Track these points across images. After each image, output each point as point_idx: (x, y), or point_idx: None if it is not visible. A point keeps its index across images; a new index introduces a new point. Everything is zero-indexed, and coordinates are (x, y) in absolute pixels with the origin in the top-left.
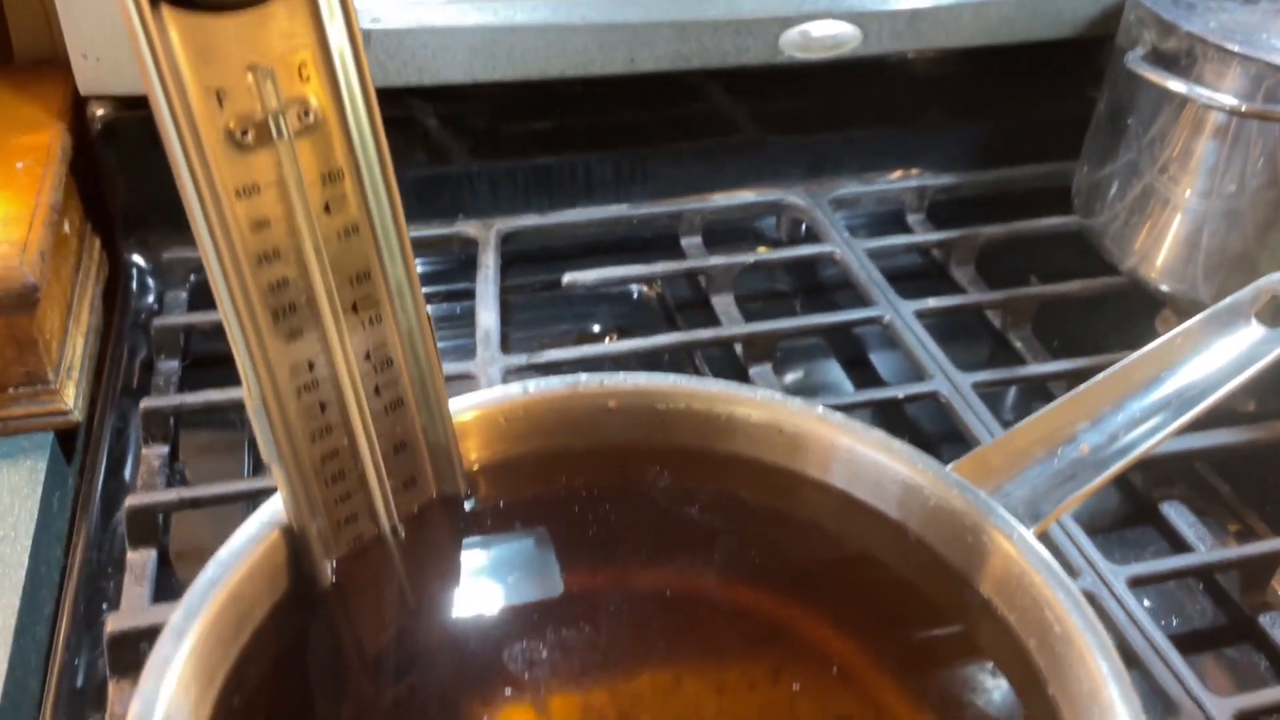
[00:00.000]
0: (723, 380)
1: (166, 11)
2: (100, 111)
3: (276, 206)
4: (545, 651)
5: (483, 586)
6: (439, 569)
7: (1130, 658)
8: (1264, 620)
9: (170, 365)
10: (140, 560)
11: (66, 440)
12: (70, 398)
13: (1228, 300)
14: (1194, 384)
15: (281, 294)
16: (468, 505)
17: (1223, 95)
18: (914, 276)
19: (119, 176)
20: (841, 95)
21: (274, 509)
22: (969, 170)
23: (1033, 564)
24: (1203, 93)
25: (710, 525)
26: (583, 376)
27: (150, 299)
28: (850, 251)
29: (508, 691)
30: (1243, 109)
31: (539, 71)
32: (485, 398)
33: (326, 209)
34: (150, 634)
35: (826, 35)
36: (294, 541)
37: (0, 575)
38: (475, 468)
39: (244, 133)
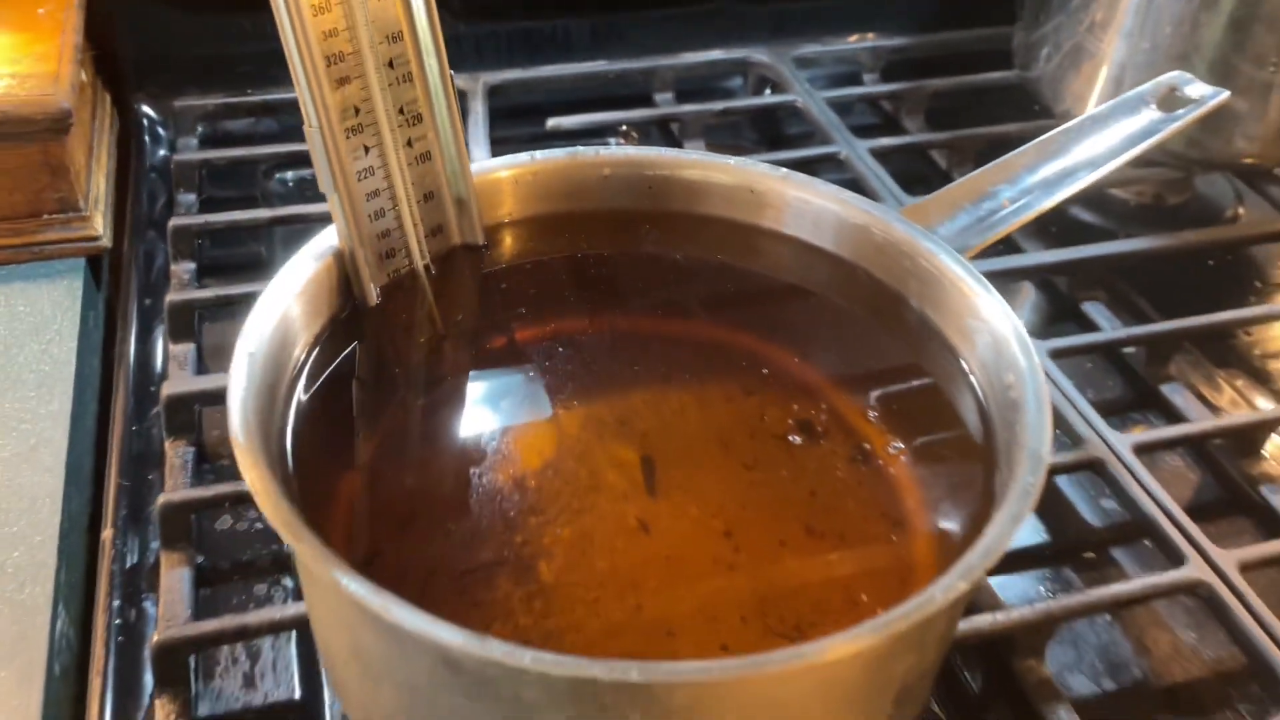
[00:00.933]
0: (700, 151)
1: None
2: None
3: None
4: (552, 374)
5: (498, 321)
6: (463, 302)
7: (1063, 425)
8: (1165, 389)
9: (189, 198)
10: (182, 352)
11: (94, 268)
12: (99, 225)
13: (1134, 91)
14: (1099, 154)
15: (333, 41)
16: (485, 253)
17: None
18: (870, 128)
19: (130, 30)
20: None
21: (328, 239)
22: (920, 33)
23: (959, 274)
24: None
25: (693, 274)
26: (580, 148)
27: (162, 149)
28: (811, 100)
29: (522, 403)
30: None
31: None
32: (498, 163)
33: None
34: (200, 397)
35: None
36: (345, 266)
37: (53, 370)
38: (490, 223)
39: None
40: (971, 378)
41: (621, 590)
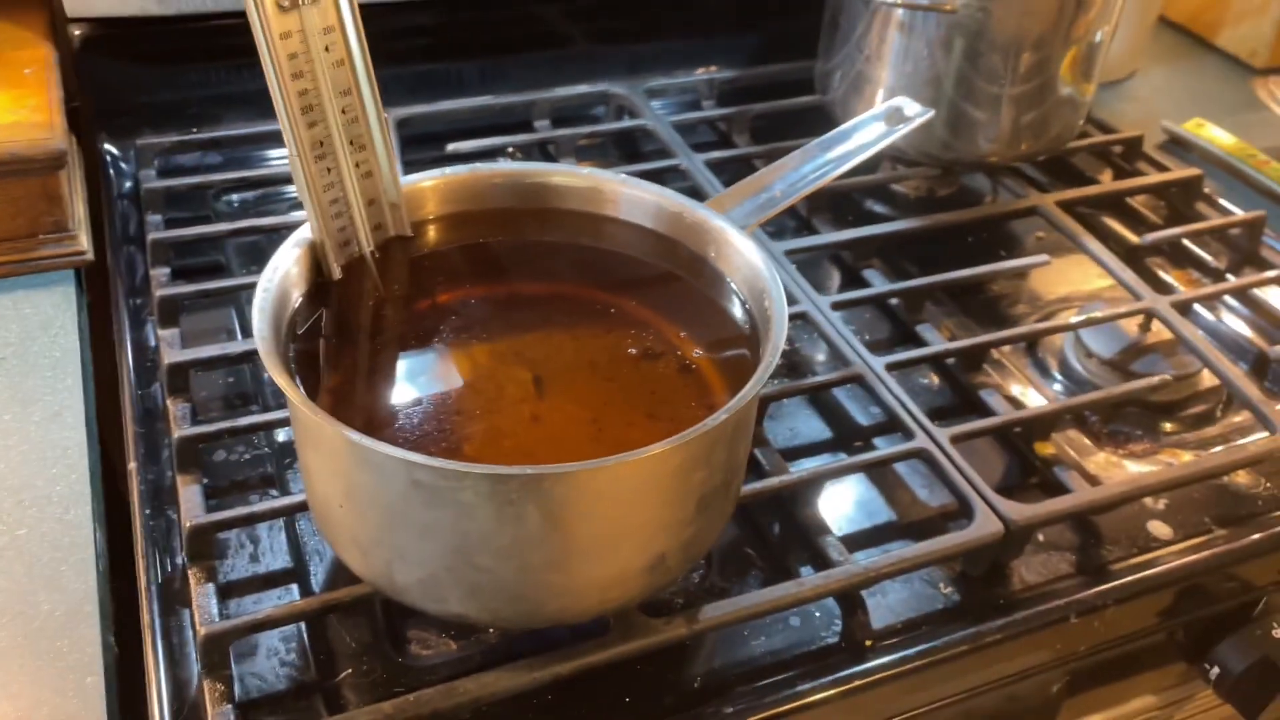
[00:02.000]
0: (565, 164)
1: None
2: (78, 31)
3: (301, 45)
4: (465, 323)
5: (424, 288)
6: (398, 275)
7: (838, 355)
8: (920, 329)
9: (156, 219)
10: (170, 335)
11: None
12: (85, 242)
13: (870, 112)
14: (845, 155)
15: (305, 98)
16: (413, 241)
17: None
18: (707, 144)
19: (95, 81)
20: (649, 13)
21: (302, 234)
22: (746, 67)
23: (739, 245)
24: None
25: (561, 251)
26: (479, 165)
27: (126, 180)
28: (659, 124)
29: (445, 342)
30: (902, 3)
31: None
32: (421, 176)
33: (327, 49)
34: (192, 365)
35: None
36: (315, 252)
37: (63, 356)
38: (417, 219)
39: (285, 1)
40: (746, 305)
41: (521, 459)
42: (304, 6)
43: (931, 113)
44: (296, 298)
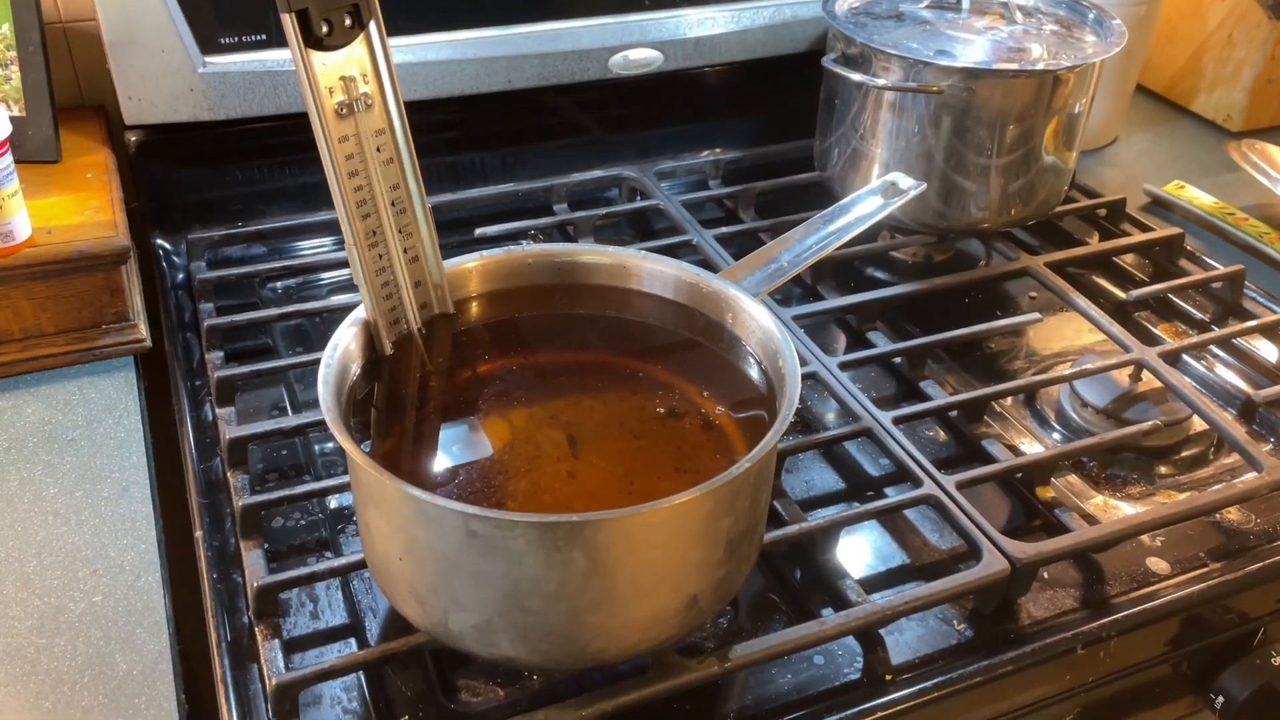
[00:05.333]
0: (590, 243)
1: (310, 52)
2: (134, 138)
3: (356, 146)
4: (505, 390)
5: (466, 360)
6: (442, 349)
7: (848, 411)
8: (923, 385)
9: (208, 306)
10: (226, 413)
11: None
12: (143, 330)
13: (867, 187)
14: (846, 226)
15: (360, 193)
16: (455, 318)
17: (881, 79)
18: (715, 220)
19: (149, 181)
20: (656, 101)
21: (358, 314)
22: (749, 148)
23: (753, 311)
24: (871, 79)
25: (590, 322)
26: (511, 247)
27: (179, 272)
28: (670, 203)
29: (486, 408)
30: (892, 86)
31: (445, 91)
32: (460, 259)
33: (378, 150)
34: (249, 439)
35: (639, 58)
36: (369, 330)
37: (127, 436)
38: (460, 298)
39: (343, 109)
40: (762, 365)
41: (560, 512)
42: (359, 113)
43: (924, 186)
44: (354, 371)
